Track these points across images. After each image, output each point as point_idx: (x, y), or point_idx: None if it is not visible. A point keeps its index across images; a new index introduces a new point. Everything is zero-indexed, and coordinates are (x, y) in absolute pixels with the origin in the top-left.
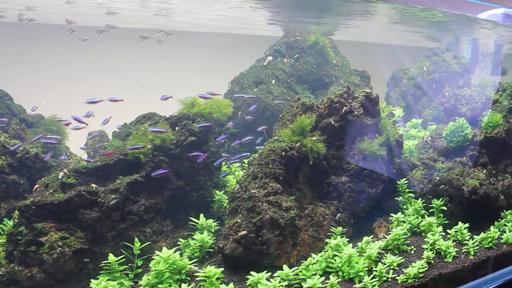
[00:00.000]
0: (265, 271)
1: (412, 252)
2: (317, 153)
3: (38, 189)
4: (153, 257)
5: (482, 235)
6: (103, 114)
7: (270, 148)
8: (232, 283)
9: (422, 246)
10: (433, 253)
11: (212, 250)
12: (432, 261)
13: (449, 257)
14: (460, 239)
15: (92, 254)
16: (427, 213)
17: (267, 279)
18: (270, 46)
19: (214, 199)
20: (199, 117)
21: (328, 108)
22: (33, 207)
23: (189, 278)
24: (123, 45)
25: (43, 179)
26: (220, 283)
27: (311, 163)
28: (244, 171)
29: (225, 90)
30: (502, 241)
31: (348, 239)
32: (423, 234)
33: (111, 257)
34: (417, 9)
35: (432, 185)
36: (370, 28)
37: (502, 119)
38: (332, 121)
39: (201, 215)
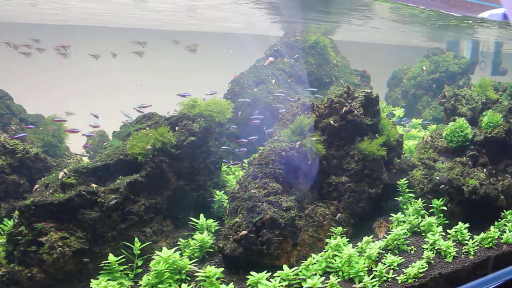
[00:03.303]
0: (265, 271)
1: (412, 252)
2: (317, 153)
3: (38, 189)
4: (153, 257)
5: (482, 235)
6: (102, 114)
7: (270, 148)
8: (232, 283)
9: (422, 246)
10: (433, 253)
11: (212, 250)
12: (432, 261)
13: (449, 257)
14: (460, 239)
15: (92, 254)
16: (427, 213)
17: (267, 279)
18: (270, 46)
19: (214, 199)
20: (199, 117)
21: (328, 108)
22: (33, 207)
23: (189, 278)
24: (122, 45)
25: (43, 179)
26: (220, 283)
27: (310, 163)
28: (244, 171)
29: (225, 90)
30: (502, 241)
31: (348, 239)
32: (423, 234)
33: (111, 257)
34: (418, 10)
35: (432, 185)
36: (370, 28)
37: (502, 119)
38: (332, 121)
39: (201, 215)
